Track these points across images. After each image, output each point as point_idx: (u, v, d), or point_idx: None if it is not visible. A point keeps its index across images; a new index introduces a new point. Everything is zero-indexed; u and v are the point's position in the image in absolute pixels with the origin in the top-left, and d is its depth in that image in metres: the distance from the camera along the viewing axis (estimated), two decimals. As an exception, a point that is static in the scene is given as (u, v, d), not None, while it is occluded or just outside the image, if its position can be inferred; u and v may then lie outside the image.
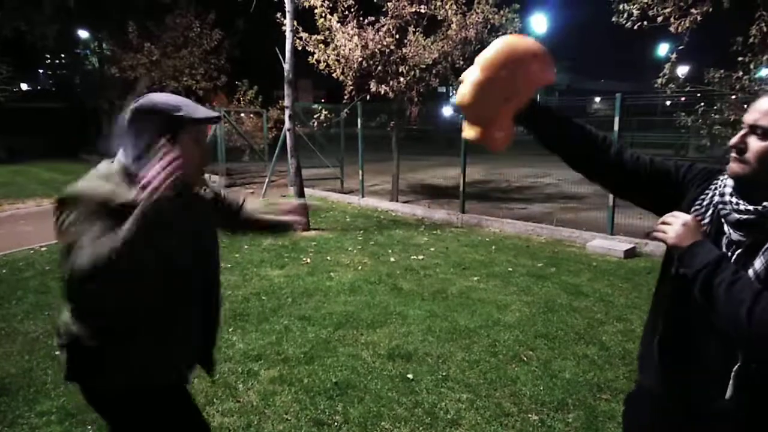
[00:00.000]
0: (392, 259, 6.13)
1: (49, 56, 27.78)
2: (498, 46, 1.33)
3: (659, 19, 6.57)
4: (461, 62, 9.51)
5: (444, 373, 3.36)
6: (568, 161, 1.42)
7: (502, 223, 8.12)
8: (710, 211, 1.26)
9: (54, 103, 24.86)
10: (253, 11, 9.55)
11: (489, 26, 9.50)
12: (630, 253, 6.47)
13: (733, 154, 1.21)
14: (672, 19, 6.46)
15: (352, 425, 2.79)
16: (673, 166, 1.39)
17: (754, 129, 1.17)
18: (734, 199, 1.21)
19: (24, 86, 30.35)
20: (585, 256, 6.46)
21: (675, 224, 1.22)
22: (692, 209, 1.29)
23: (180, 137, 1.47)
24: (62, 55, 27.83)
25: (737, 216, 1.19)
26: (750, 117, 1.18)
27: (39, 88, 32.85)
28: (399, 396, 3.08)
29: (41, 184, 12.55)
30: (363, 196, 10.57)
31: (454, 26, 9.24)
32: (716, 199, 1.25)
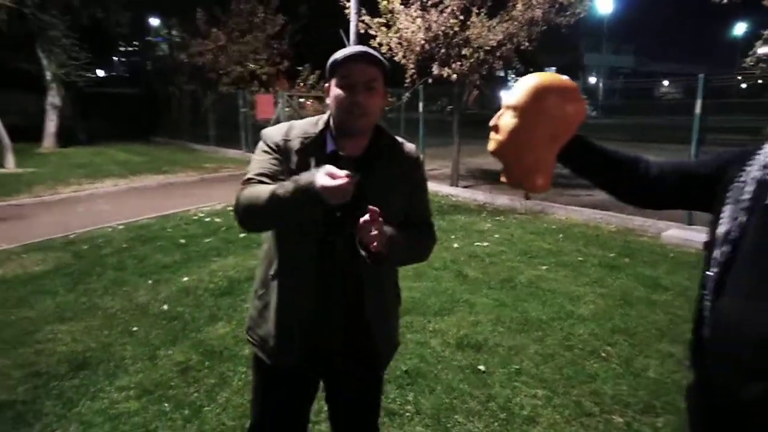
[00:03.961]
0: (456, 245, 6.01)
1: (123, 44, 29.04)
2: (528, 87, 1.24)
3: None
4: (526, 44, 9.16)
5: (517, 367, 3.23)
6: (609, 191, 1.37)
7: (568, 210, 7.80)
8: (753, 187, 1.15)
9: (127, 88, 26.07)
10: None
11: (557, 5, 9.07)
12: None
13: None
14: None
15: (424, 416, 2.72)
16: (701, 160, 1.34)
17: None
18: None
19: (101, 72, 32.01)
20: (660, 247, 6.10)
21: None
22: (730, 187, 1.19)
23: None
24: (135, 43, 29.06)
25: None
26: None
27: (114, 74, 34.51)
28: (471, 388, 2.98)
29: (117, 165, 13.16)
30: (424, 181, 10.44)
31: (519, 6, 8.89)
32: (757, 174, 1.15)
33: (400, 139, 1.66)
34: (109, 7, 17.00)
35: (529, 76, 1.27)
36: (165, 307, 4.08)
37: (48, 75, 15.97)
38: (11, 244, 5.86)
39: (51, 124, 16.55)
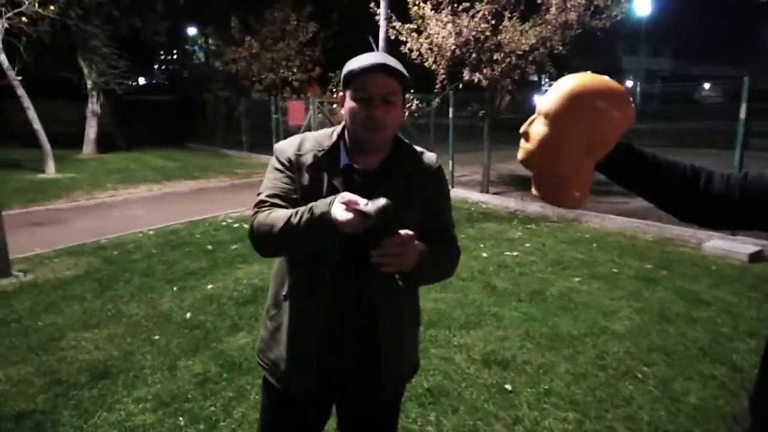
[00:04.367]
0: (484, 255, 5.85)
1: (162, 52, 29.83)
2: (564, 91, 1.08)
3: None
4: (560, 48, 8.94)
5: (546, 386, 3.07)
6: (664, 208, 1.16)
7: (603, 218, 7.54)
8: None
9: (165, 95, 26.74)
10: (347, 1, 9.56)
11: (592, 8, 8.82)
12: (757, 257, 5.72)
13: None
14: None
15: (445, 438, 2.60)
16: None
17: None
18: None
19: (141, 80, 32.96)
20: (701, 258, 5.80)
21: None
22: None
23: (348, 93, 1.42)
24: (174, 51, 29.81)
25: None
26: None
27: (154, 81, 35.47)
28: (497, 409, 2.84)
29: (152, 170, 13.43)
30: (453, 187, 10.28)
31: (553, 10, 8.68)
32: None
33: (419, 149, 1.56)
34: (147, 17, 17.44)
35: (566, 77, 1.12)
36: (188, 315, 4.07)
37: (89, 83, 16.46)
38: (45, 249, 5.99)
39: (91, 131, 17.05)
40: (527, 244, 6.29)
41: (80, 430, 2.62)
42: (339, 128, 1.50)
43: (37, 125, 12.15)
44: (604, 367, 3.32)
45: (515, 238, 6.61)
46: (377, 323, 1.48)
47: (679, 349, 3.57)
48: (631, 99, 1.11)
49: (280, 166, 1.48)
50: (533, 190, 1.21)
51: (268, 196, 1.44)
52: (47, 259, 5.62)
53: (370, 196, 1.38)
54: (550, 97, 1.11)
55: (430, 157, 1.56)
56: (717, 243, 6.12)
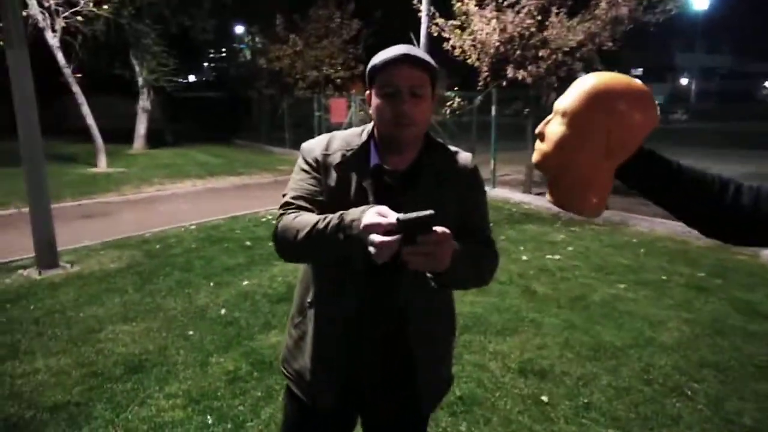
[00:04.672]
0: (524, 258, 5.67)
1: (211, 50, 30.63)
2: (584, 90, 1.00)
3: None
4: (610, 44, 8.60)
5: (585, 400, 2.92)
6: (685, 220, 1.06)
7: (652, 221, 7.20)
8: None
9: (213, 93, 27.45)
10: (390, -2, 9.49)
11: (645, 2, 8.43)
12: (823, 268, 5.33)
13: None
14: None
15: (476, 450, 2.50)
16: None
17: None
18: None
19: (191, 78, 33.98)
20: (760, 267, 5.45)
21: None
22: None
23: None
24: (222, 49, 30.57)
25: None
26: None
27: (203, 79, 36.54)
28: (532, 422, 2.71)
29: (197, 166, 13.75)
30: (494, 186, 10.08)
31: (603, 4, 8.36)
32: None
33: (453, 149, 1.47)
34: (195, 16, 17.86)
35: (586, 76, 1.03)
36: (223, 311, 4.09)
37: (140, 81, 17.02)
38: (93, 241, 6.19)
39: (141, 127, 17.63)
40: (570, 248, 6.07)
41: (111, 423, 2.65)
42: (369, 127, 1.42)
43: (90, 121, 12.63)
44: (649, 382, 3.13)
45: (557, 241, 6.39)
46: (409, 332, 1.40)
47: (733, 366, 3.33)
48: (655, 101, 1.02)
49: (306, 167, 1.42)
50: (548, 196, 1.13)
51: (293, 198, 1.38)
52: (94, 251, 5.80)
53: (400, 198, 1.30)
54: (568, 95, 1.03)
55: (465, 157, 1.46)
56: (777, 251, 5.74)
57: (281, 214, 1.36)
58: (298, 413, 1.54)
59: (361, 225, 1.13)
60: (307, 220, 1.27)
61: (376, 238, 1.10)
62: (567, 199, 1.08)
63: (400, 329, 1.40)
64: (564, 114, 1.01)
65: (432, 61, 1.31)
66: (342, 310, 1.39)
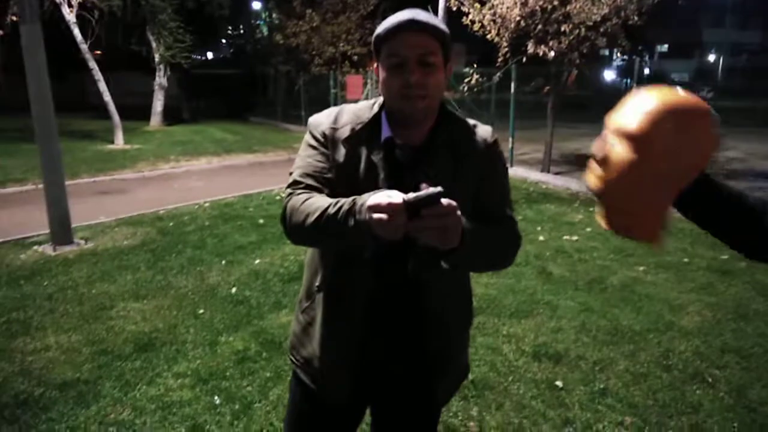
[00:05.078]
0: (541, 238, 5.55)
1: (230, 27, 30.46)
2: (652, 110, 0.89)
3: None
4: (635, 18, 8.26)
5: (602, 386, 2.83)
6: (739, 250, 1.02)
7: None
8: None
9: (230, 69, 27.34)
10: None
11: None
12: None
13: None
14: None
15: (487, 436, 2.44)
16: None
17: None
18: None
19: (209, 55, 33.85)
20: (788, 251, 5.24)
21: None
22: None
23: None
24: (240, 26, 30.38)
25: None
26: None
27: (222, 56, 36.39)
28: (545, 408, 2.64)
29: (213, 143, 13.74)
30: (512, 165, 9.89)
31: (630, -26, 8.01)
32: None
33: (471, 122, 1.36)
34: (210, -9, 17.71)
35: (644, 94, 0.93)
36: (233, 290, 4.07)
37: (156, 57, 16.96)
38: (109, 217, 6.21)
39: (158, 104, 17.63)
40: (588, 229, 5.92)
41: (119, 402, 2.64)
42: (381, 99, 1.32)
43: (107, 97, 12.64)
44: (668, 368, 3.03)
45: (575, 222, 6.24)
46: (424, 319, 1.32)
47: (756, 352, 3.21)
48: (716, 121, 0.92)
49: (314, 142, 1.32)
50: (602, 222, 1.02)
51: (301, 176, 1.29)
52: (108, 228, 5.81)
53: (413, 174, 1.21)
54: (631, 116, 0.92)
55: (484, 130, 1.35)
56: (806, 234, 5.53)
57: (289, 194, 1.27)
58: (306, 401, 1.47)
59: (366, 205, 1.05)
60: (317, 203, 1.17)
61: (379, 214, 1.01)
62: (628, 227, 1.00)
63: (415, 315, 1.32)
64: (630, 137, 0.91)
65: (442, 26, 1.20)
66: (353, 294, 1.30)
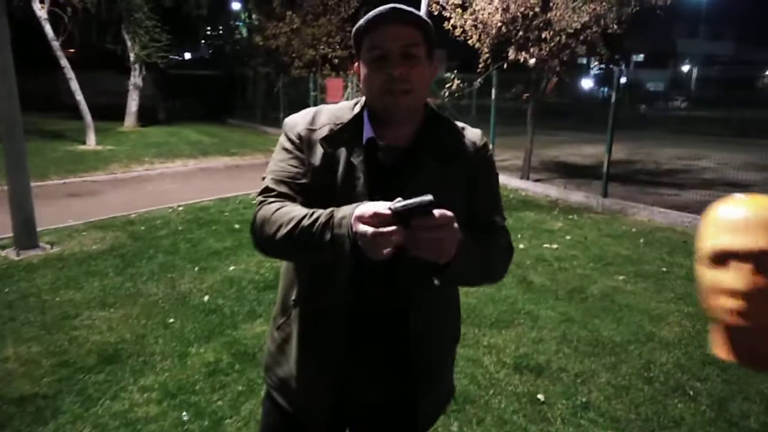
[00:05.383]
0: (521, 246, 5.51)
1: (209, 28, 30.11)
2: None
3: None
4: (615, 26, 8.35)
5: (584, 399, 2.77)
6: None
7: (652, 211, 7.04)
8: None
9: (208, 70, 26.99)
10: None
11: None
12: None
13: None
14: None
15: (467, 453, 2.35)
16: None
17: None
18: None
19: (187, 55, 33.37)
20: (762, 261, 5.30)
21: None
22: None
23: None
24: (219, 26, 30.07)
25: None
26: None
27: (200, 57, 35.92)
28: (527, 423, 2.56)
29: (189, 145, 13.48)
30: (492, 173, 9.89)
31: (610, -16, 8.08)
32: None
33: (460, 125, 1.28)
34: (188, -10, 17.46)
35: (737, 209, 0.84)
36: (206, 298, 3.92)
37: (132, 56, 16.61)
38: (78, 221, 5.99)
39: (133, 104, 17.27)
40: (568, 237, 5.91)
41: (80, 418, 2.48)
42: (363, 99, 1.23)
43: (79, 96, 12.31)
44: (650, 380, 2.99)
45: (555, 230, 6.23)
46: (409, 335, 1.22)
47: (736, 364, 3.18)
48: None
49: (289, 145, 1.22)
50: (721, 354, 0.93)
51: (274, 183, 1.19)
52: (76, 231, 5.60)
53: (397, 179, 1.13)
54: (749, 234, 0.82)
55: (474, 133, 1.27)
56: (780, 243, 5.60)
57: (260, 202, 1.17)
58: (281, 425, 1.36)
59: (352, 218, 0.95)
60: (290, 214, 1.07)
61: (368, 229, 0.92)
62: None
63: (400, 333, 1.22)
64: (754, 256, 0.82)
65: (423, 16, 1.12)
66: (331, 311, 1.20)
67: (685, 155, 10.85)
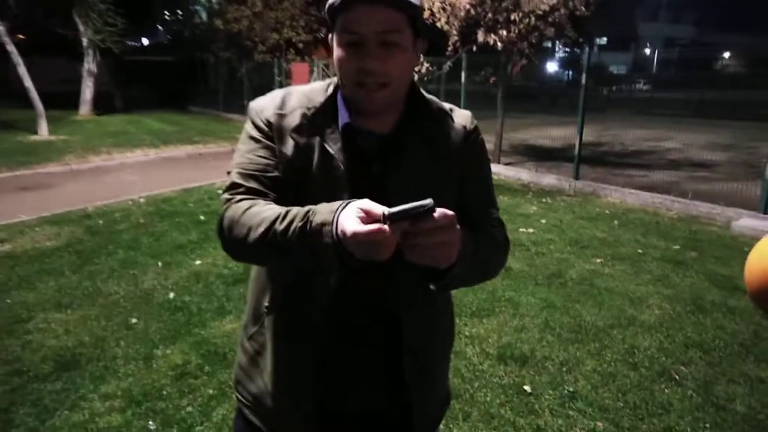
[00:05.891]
0: (497, 231, 5.43)
1: (166, 12, 29.09)
2: None
3: None
4: (582, 9, 8.33)
5: (570, 388, 2.70)
6: None
7: (623, 192, 7.08)
8: None
9: (167, 56, 26.08)
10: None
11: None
12: (793, 239, 5.29)
13: None
14: None
15: (456, 452, 2.24)
16: None
17: None
18: None
19: (145, 41, 32.16)
20: (731, 239, 5.37)
21: None
22: None
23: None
24: (178, 11, 29.08)
25: None
26: None
27: (159, 42, 34.69)
28: (515, 415, 2.47)
29: (150, 134, 12.95)
30: (463, 157, 9.81)
31: (577, -35, 8.04)
32: None
33: (448, 107, 1.13)
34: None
35: None
36: (171, 295, 3.70)
37: (84, 41, 15.83)
38: (30, 216, 5.62)
39: (87, 91, 16.51)
40: (543, 220, 5.87)
41: (35, 433, 2.27)
42: (336, 79, 1.06)
43: (28, 83, 11.63)
44: (635, 366, 2.94)
45: (530, 214, 6.18)
46: (401, 347, 1.08)
47: (718, 345, 3.18)
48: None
49: (256, 133, 1.05)
50: None
51: (241, 177, 1.01)
52: (29, 227, 5.25)
53: (380, 170, 1.00)
54: None
55: (463, 115, 1.13)
56: (748, 222, 5.69)
57: (227, 201, 1.00)
58: None
59: (340, 232, 0.79)
60: (262, 214, 0.91)
61: (360, 229, 0.75)
62: None
63: (389, 342, 1.08)
64: None
65: None
66: (310, 317, 1.05)
67: (650, 136, 10.98)
